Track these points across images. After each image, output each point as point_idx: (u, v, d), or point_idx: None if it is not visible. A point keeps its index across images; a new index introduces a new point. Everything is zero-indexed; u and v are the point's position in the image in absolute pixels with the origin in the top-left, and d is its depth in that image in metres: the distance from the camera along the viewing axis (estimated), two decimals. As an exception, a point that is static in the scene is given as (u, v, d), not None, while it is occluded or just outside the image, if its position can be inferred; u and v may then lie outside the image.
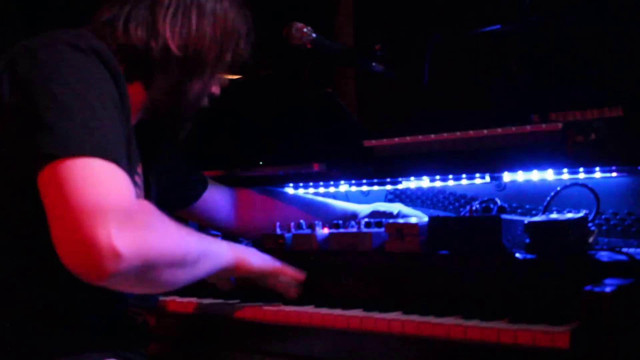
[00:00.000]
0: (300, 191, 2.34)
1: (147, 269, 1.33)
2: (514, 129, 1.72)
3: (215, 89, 1.80)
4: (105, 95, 1.42)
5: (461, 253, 1.64)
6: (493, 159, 1.78)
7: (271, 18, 1.88)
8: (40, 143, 1.32)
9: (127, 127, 1.51)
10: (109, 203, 1.28)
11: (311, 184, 2.28)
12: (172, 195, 2.05)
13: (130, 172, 1.56)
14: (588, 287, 1.32)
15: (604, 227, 1.84)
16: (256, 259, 1.74)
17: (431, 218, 1.72)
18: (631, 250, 1.63)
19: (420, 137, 1.85)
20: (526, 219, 1.59)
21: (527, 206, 1.99)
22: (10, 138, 1.40)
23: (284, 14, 2.36)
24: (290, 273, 1.81)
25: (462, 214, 2.02)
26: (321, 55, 2.47)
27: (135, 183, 1.65)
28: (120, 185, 1.34)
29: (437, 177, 2.02)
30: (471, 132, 1.77)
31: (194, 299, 1.93)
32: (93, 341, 1.49)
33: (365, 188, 2.29)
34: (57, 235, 1.29)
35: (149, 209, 1.40)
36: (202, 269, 1.53)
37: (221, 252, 1.62)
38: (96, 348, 1.49)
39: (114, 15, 1.64)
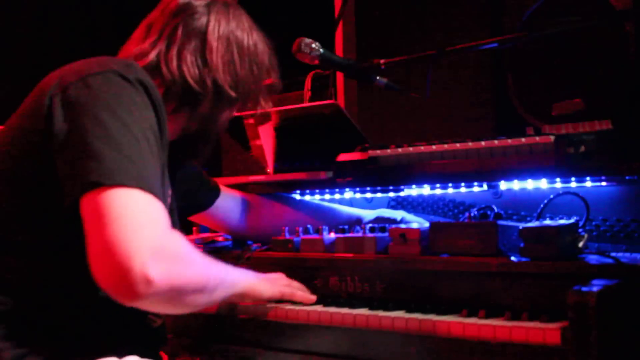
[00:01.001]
0: (307, 197, 2.46)
1: (174, 294, 1.47)
2: (509, 141, 1.83)
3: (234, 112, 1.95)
4: (148, 128, 1.53)
5: (460, 256, 1.75)
6: (490, 169, 1.89)
7: (273, 31, 2.00)
8: (88, 170, 1.43)
9: (164, 157, 1.62)
10: (144, 234, 1.39)
11: (317, 191, 2.40)
12: (187, 202, 2.16)
13: (165, 197, 1.69)
14: (576, 287, 1.44)
15: (594, 233, 1.95)
16: (266, 288, 1.86)
17: (432, 223, 1.83)
18: (619, 254, 1.74)
19: (422, 147, 1.97)
20: (521, 225, 1.71)
21: (523, 213, 2.10)
22: (58, 160, 1.50)
23: (285, 27, 2.48)
24: (299, 298, 1.90)
25: (461, 220, 2.13)
26: (324, 68, 2.60)
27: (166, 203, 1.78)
28: (156, 216, 1.46)
29: (438, 185, 2.13)
30: (470, 143, 1.88)
31: (208, 299, 2.05)
32: (113, 344, 1.59)
33: (369, 195, 2.41)
34: (94, 258, 1.40)
35: (179, 240, 1.51)
36: (218, 295, 1.66)
37: (234, 281, 1.75)
38: (116, 350, 1.58)
39: (163, 54, 1.76)
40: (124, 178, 1.43)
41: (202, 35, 1.79)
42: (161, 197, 1.49)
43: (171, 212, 1.87)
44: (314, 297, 1.91)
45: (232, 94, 1.78)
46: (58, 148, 1.49)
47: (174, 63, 1.74)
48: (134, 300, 1.40)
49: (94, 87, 1.52)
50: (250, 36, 1.87)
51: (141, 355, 1.64)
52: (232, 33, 1.83)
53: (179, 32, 1.78)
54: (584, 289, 1.42)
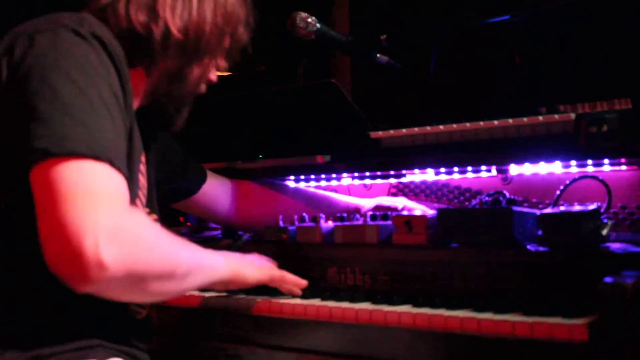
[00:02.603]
0: (302, 185, 2.31)
1: (133, 280, 1.31)
2: (525, 119, 1.69)
3: (213, 76, 1.77)
4: (105, 88, 1.38)
5: (471, 246, 1.61)
6: (502, 151, 1.75)
7: (265, 10, 1.85)
8: (35, 136, 1.28)
9: (129, 119, 1.46)
10: (98, 211, 1.25)
11: (313, 177, 2.25)
12: (170, 187, 2.01)
13: (133, 164, 1.53)
14: (608, 279, 1.30)
15: (612, 221, 1.82)
16: (252, 271, 1.72)
17: (440, 210, 1.69)
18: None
19: (428, 128, 1.82)
20: (539, 211, 1.57)
21: (534, 200, 1.96)
22: (6, 126, 1.35)
23: (278, 5, 2.33)
24: (290, 281, 1.79)
25: (470, 206, 1.99)
26: (317, 48, 2.45)
27: (139, 171, 1.62)
28: (114, 191, 1.30)
29: (443, 170, 1.99)
30: (481, 123, 1.74)
31: (196, 293, 1.90)
32: (97, 340, 1.46)
33: (368, 181, 2.26)
34: (44, 238, 1.26)
35: (141, 220, 1.36)
36: (193, 282, 1.50)
37: (215, 266, 1.59)
38: (100, 346, 1.46)
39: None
40: (75, 146, 1.28)
41: None
42: (122, 166, 1.34)
43: (149, 186, 1.72)
44: (305, 282, 1.79)
45: (180, 37, 1.59)
46: (4, 113, 1.35)
47: (122, 5, 1.57)
48: (85, 285, 1.25)
49: (42, 45, 1.36)
50: None
51: (125, 351, 1.51)
52: None
53: None
54: (618, 280, 1.28)
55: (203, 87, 1.75)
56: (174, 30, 1.58)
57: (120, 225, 1.27)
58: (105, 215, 1.25)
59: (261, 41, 1.87)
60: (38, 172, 1.28)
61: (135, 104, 1.61)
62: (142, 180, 1.66)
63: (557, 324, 1.35)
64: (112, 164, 1.31)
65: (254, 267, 1.73)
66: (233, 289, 1.73)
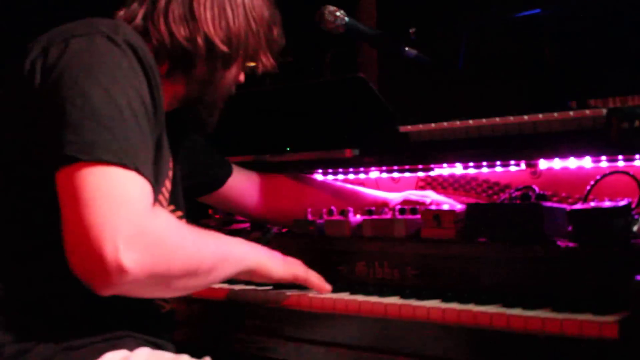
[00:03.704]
0: (330, 178, 2.32)
1: (157, 280, 1.35)
2: (556, 115, 1.68)
3: (242, 77, 1.80)
4: (135, 97, 1.40)
5: (500, 241, 1.61)
6: (532, 146, 1.74)
7: (291, 3, 1.86)
8: (64, 141, 1.31)
9: (158, 126, 1.49)
10: (119, 217, 1.27)
11: (341, 170, 2.26)
12: (195, 181, 2.03)
13: (162, 170, 1.55)
14: (639, 276, 1.29)
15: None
16: (277, 267, 1.71)
17: (469, 205, 1.69)
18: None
19: (457, 122, 1.82)
20: (568, 207, 1.56)
21: (563, 194, 1.95)
22: (35, 127, 1.38)
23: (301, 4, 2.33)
24: (314, 284, 1.75)
25: (497, 201, 1.99)
26: (344, 40, 2.45)
27: (167, 176, 1.64)
28: (136, 196, 1.33)
29: (471, 163, 1.98)
30: (511, 118, 1.73)
31: (225, 285, 1.92)
32: (125, 331, 1.49)
33: (396, 175, 2.26)
34: (67, 241, 1.30)
35: (163, 221, 1.38)
36: (218, 275, 1.53)
37: (241, 256, 1.61)
38: (129, 337, 1.48)
39: (149, 12, 1.62)
40: (103, 153, 1.31)
41: None
42: (147, 173, 1.36)
43: (175, 186, 1.74)
44: (329, 287, 1.76)
45: (224, 48, 1.63)
46: (35, 116, 1.37)
47: (161, 20, 1.60)
48: (106, 289, 1.29)
49: (76, 50, 1.39)
50: None
51: (152, 342, 1.53)
52: None
53: None
54: (650, 277, 1.28)
55: (233, 89, 1.78)
56: (218, 42, 1.62)
57: (141, 230, 1.29)
58: (125, 221, 1.27)
59: (288, 33, 1.89)
60: (64, 176, 1.31)
61: (167, 108, 1.63)
62: (168, 184, 1.68)
63: (587, 320, 1.34)
64: (138, 170, 1.34)
65: (279, 262, 1.72)
66: (256, 281, 1.73)
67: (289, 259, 1.76)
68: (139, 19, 1.61)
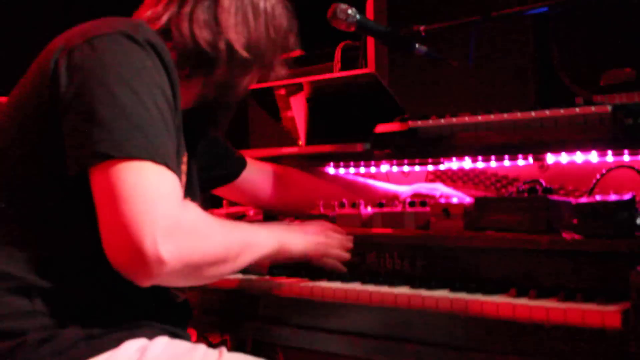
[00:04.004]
0: (341, 171, 2.36)
1: (192, 270, 1.42)
2: (562, 111, 1.72)
3: (254, 82, 1.84)
4: (159, 94, 1.45)
5: (508, 233, 1.65)
6: (540, 141, 1.79)
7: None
8: (95, 139, 1.36)
9: (178, 123, 1.54)
10: (156, 211, 1.33)
11: (352, 164, 2.30)
12: (211, 174, 2.08)
13: (179, 166, 1.60)
14: (640, 267, 1.34)
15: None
16: (296, 243, 1.76)
17: (477, 198, 1.74)
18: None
19: (466, 118, 1.86)
20: (574, 200, 1.60)
21: (570, 187, 1.99)
22: (64, 126, 1.42)
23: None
24: (334, 253, 1.82)
25: (505, 194, 2.03)
26: (353, 36, 2.49)
27: (181, 171, 1.69)
28: (170, 191, 1.39)
29: (480, 157, 2.03)
30: (519, 114, 1.77)
31: (238, 275, 1.97)
32: (144, 320, 1.53)
33: (407, 168, 2.31)
34: (106, 236, 1.36)
35: (194, 213, 1.45)
36: (244, 260, 1.59)
37: (262, 241, 1.66)
38: (147, 326, 1.53)
39: (174, 16, 1.66)
40: (134, 150, 1.36)
41: None
42: (174, 168, 1.42)
43: (190, 179, 1.79)
44: (347, 255, 1.83)
45: (245, 54, 1.68)
46: (63, 115, 1.42)
47: (185, 24, 1.64)
48: (146, 280, 1.36)
49: (100, 50, 1.43)
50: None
51: (170, 331, 1.57)
52: None
53: None
54: (650, 268, 1.32)
55: (246, 92, 1.83)
56: (239, 47, 1.66)
57: (176, 222, 1.36)
58: (162, 215, 1.34)
59: (299, 27, 1.93)
60: (98, 174, 1.37)
61: (184, 107, 1.68)
62: (183, 178, 1.73)
63: (590, 310, 1.39)
64: (167, 165, 1.40)
65: (299, 237, 1.77)
66: (280, 261, 1.79)
67: (307, 230, 1.81)
68: (163, 22, 1.65)
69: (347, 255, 1.84)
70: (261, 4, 1.73)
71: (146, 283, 1.37)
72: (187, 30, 1.63)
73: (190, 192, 1.81)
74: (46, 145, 1.46)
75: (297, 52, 3.38)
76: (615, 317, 1.36)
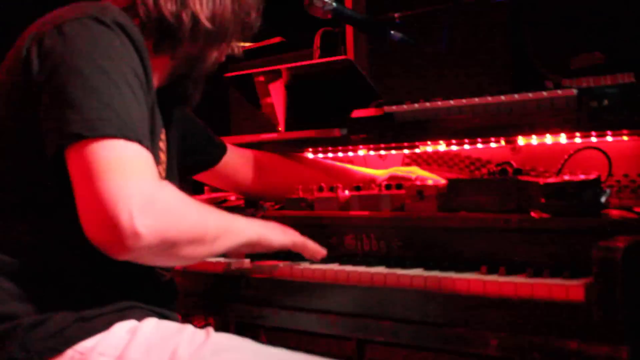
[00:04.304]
0: (320, 156, 2.42)
1: (167, 246, 1.44)
2: (530, 95, 1.78)
3: (223, 56, 1.87)
4: (130, 72, 1.49)
5: (479, 213, 1.72)
6: (510, 124, 1.85)
7: None
8: (67, 121, 1.40)
9: (150, 100, 1.58)
10: (131, 187, 1.37)
11: (330, 149, 2.36)
12: (191, 159, 2.12)
13: (154, 142, 1.64)
14: (602, 243, 1.41)
15: (615, 189, 1.92)
16: (276, 235, 1.79)
17: (450, 180, 1.80)
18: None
19: (439, 102, 1.92)
20: (542, 180, 1.67)
21: (541, 169, 2.06)
22: (38, 111, 1.47)
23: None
24: (310, 249, 1.85)
25: (478, 176, 2.10)
26: (333, 22, 2.53)
27: (159, 149, 1.74)
28: (143, 167, 1.43)
29: (454, 141, 2.09)
30: (489, 98, 1.83)
31: (221, 259, 2.02)
32: (132, 302, 1.57)
33: (383, 152, 2.37)
34: (83, 212, 1.39)
35: (170, 191, 1.48)
36: (222, 245, 1.61)
37: (242, 229, 1.68)
38: (136, 307, 1.58)
39: None
40: (107, 128, 1.40)
41: None
42: (148, 144, 1.46)
43: (170, 155, 1.83)
44: (324, 251, 1.87)
45: (209, 26, 1.71)
46: (37, 100, 1.46)
47: None
48: (123, 254, 1.39)
49: (69, 35, 1.48)
50: None
51: (157, 312, 1.62)
52: None
53: None
54: (610, 244, 1.39)
55: (216, 67, 1.86)
56: (203, 19, 1.69)
57: (152, 197, 1.39)
58: (137, 189, 1.37)
59: (279, 14, 1.97)
60: (73, 154, 1.40)
61: (156, 84, 1.72)
62: (162, 156, 1.77)
63: (555, 285, 1.46)
64: (141, 142, 1.44)
65: (278, 231, 1.82)
66: (258, 252, 1.83)
67: (285, 228, 1.86)
68: None
69: (324, 252, 1.87)
70: None
71: (123, 257, 1.39)
72: (151, 4, 1.66)
73: (170, 168, 1.85)
74: (25, 131, 1.51)
75: (278, 39, 3.45)
76: (579, 291, 1.42)
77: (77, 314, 1.47)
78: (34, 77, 1.47)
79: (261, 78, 2.51)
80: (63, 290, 1.49)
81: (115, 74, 1.46)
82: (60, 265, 1.50)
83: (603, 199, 1.63)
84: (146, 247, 1.38)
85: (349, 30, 2.94)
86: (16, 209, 1.51)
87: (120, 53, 1.49)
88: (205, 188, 2.52)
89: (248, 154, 2.31)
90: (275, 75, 2.44)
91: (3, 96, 1.56)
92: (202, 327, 1.62)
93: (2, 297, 1.44)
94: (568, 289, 1.44)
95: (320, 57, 2.98)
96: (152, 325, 1.54)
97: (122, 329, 1.50)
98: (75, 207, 1.42)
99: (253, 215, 2.09)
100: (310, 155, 2.40)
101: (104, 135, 1.39)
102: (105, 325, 1.48)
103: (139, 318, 1.55)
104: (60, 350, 1.43)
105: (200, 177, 2.28)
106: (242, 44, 1.91)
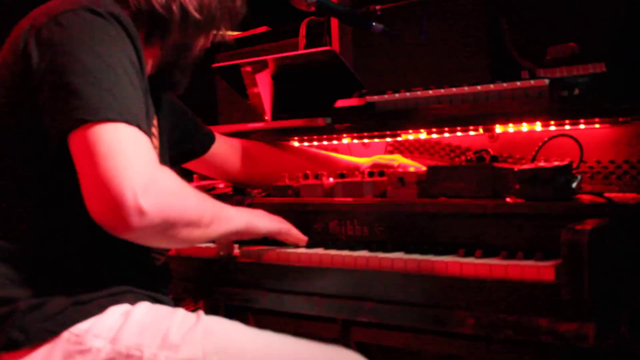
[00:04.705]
0: (305, 145, 2.49)
1: (167, 226, 1.51)
2: (505, 84, 1.86)
3: (209, 43, 1.94)
4: (126, 60, 1.56)
5: (457, 198, 1.80)
6: (486, 113, 1.92)
7: None
8: (70, 107, 1.47)
9: (145, 87, 1.65)
10: (135, 167, 1.44)
11: (315, 138, 2.43)
12: (180, 148, 2.19)
13: (148, 128, 1.71)
14: (570, 226, 1.49)
15: (588, 175, 2.00)
16: (263, 222, 1.87)
17: (429, 167, 1.88)
18: (612, 194, 1.79)
19: (418, 92, 2.00)
20: (517, 167, 1.75)
21: (517, 156, 2.14)
22: (40, 100, 1.53)
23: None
24: (294, 235, 1.93)
25: (457, 163, 2.18)
26: (320, 15, 2.60)
27: (152, 135, 1.80)
28: (145, 150, 1.50)
29: (434, 129, 2.16)
30: (466, 88, 1.91)
31: (210, 244, 2.09)
32: (126, 286, 1.64)
33: (367, 140, 2.44)
34: (88, 193, 1.46)
35: (170, 174, 1.56)
36: (215, 230, 1.69)
37: (232, 217, 1.76)
38: (130, 292, 1.65)
39: None
40: (108, 113, 1.47)
41: None
42: (146, 129, 1.53)
43: (162, 141, 1.90)
44: (306, 238, 1.95)
45: (197, 16, 1.78)
46: (38, 89, 1.52)
47: None
48: (128, 231, 1.45)
49: (66, 25, 1.54)
50: None
51: (151, 296, 1.69)
52: None
53: None
54: (577, 227, 1.47)
55: (202, 53, 1.93)
56: (192, 9, 1.76)
57: (154, 178, 1.46)
58: (140, 170, 1.44)
59: (265, 3, 2.03)
60: (77, 137, 1.47)
61: (148, 72, 1.78)
62: (155, 141, 1.84)
63: (527, 266, 1.54)
64: (139, 126, 1.51)
65: (264, 218, 1.89)
66: (246, 238, 1.90)
67: (271, 215, 1.94)
68: None
69: (305, 238, 1.95)
70: None
71: (126, 235, 1.46)
72: None
73: (162, 154, 1.92)
74: (24, 119, 1.57)
75: (264, 28, 3.51)
76: (549, 272, 1.51)
77: (73, 298, 1.54)
78: (33, 67, 1.53)
79: (248, 68, 2.57)
80: (59, 275, 1.56)
81: (113, 62, 1.53)
82: (56, 251, 1.57)
83: (574, 185, 1.72)
84: (149, 226, 1.45)
85: (334, 19, 3.01)
86: (14, 196, 1.58)
87: (116, 41, 1.56)
88: (194, 176, 2.59)
89: (236, 143, 2.37)
90: (261, 66, 2.51)
91: (1, 86, 1.62)
92: (192, 311, 1.69)
93: (2, 282, 1.51)
94: (539, 270, 1.52)
95: (306, 46, 3.05)
96: (145, 308, 1.61)
97: (116, 312, 1.57)
98: (72, 193, 1.49)
99: (240, 202, 2.16)
100: (296, 144, 2.47)
101: (106, 119, 1.46)
102: (100, 309, 1.56)
103: (133, 302, 1.62)
104: (57, 332, 1.50)
105: (189, 165, 2.35)
106: (229, 32, 1.98)
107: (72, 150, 1.49)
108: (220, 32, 1.92)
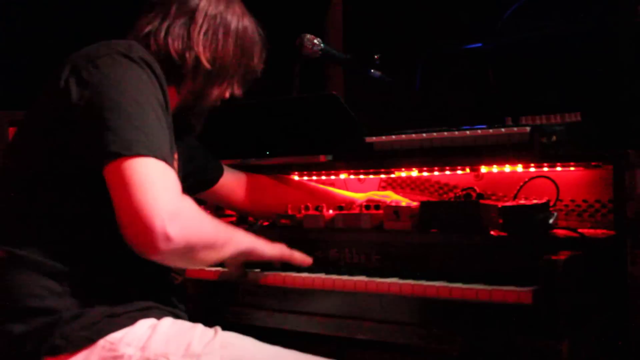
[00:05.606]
0: (305, 178, 2.68)
1: (189, 249, 1.70)
2: (491, 130, 2.07)
3: (227, 94, 2.15)
4: (155, 101, 1.76)
5: (447, 231, 2.00)
6: (473, 155, 2.13)
7: (262, 25, 2.18)
8: (107, 142, 1.66)
9: (170, 124, 1.85)
10: (163, 198, 1.63)
11: (314, 172, 2.62)
12: (193, 180, 2.36)
13: (172, 161, 1.91)
14: (546, 256, 1.70)
15: (563, 212, 2.21)
16: (267, 248, 2.04)
17: (422, 202, 2.08)
18: (584, 230, 2.01)
19: (413, 135, 2.20)
20: (501, 204, 1.96)
21: (500, 194, 2.35)
22: (77, 133, 1.72)
23: (274, 22, 2.68)
24: (297, 259, 2.10)
25: (446, 199, 2.39)
26: (311, 61, 2.80)
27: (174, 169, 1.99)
28: (172, 183, 1.69)
29: (425, 168, 2.37)
30: (456, 133, 2.12)
31: (219, 268, 2.27)
32: (152, 302, 1.81)
33: (363, 176, 2.65)
34: (122, 220, 1.64)
35: (191, 204, 1.74)
36: (226, 252, 1.88)
37: (240, 240, 1.95)
38: (155, 308, 1.82)
39: (155, 29, 1.97)
40: (140, 148, 1.65)
41: (192, 14, 2.00)
42: (171, 163, 1.71)
43: (182, 179, 2.09)
44: (310, 260, 2.12)
45: (209, 67, 1.96)
46: (76, 124, 1.71)
47: (162, 35, 1.95)
48: (155, 254, 1.63)
49: (104, 68, 1.73)
50: (240, 20, 2.06)
51: (173, 312, 1.86)
52: (221, 14, 2.03)
53: (173, 10, 1.99)
54: (553, 258, 1.68)
55: (218, 102, 2.13)
56: (204, 60, 1.97)
57: (179, 207, 1.66)
58: (167, 201, 1.63)
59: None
60: (112, 169, 1.66)
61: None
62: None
63: (509, 291, 1.75)
64: (166, 161, 1.70)
65: (268, 244, 2.07)
66: (252, 259, 2.07)
67: (274, 243, 2.11)
68: (143, 33, 1.96)
69: (309, 260, 2.12)
70: (233, 25, 2.04)
71: (154, 257, 1.64)
72: (162, 41, 1.95)
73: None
74: (63, 151, 1.75)
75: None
76: (528, 296, 1.71)
77: (109, 310, 1.72)
78: (73, 103, 1.72)
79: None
80: (96, 290, 1.74)
81: (144, 103, 1.72)
82: (93, 269, 1.75)
83: (551, 221, 1.93)
84: (173, 250, 1.64)
85: (327, 67, 3.21)
86: (56, 223, 1.76)
87: (146, 84, 1.76)
88: (202, 207, 2.76)
89: (242, 175, 2.55)
90: (267, 108, 2.69)
91: (42, 116, 1.81)
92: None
93: (45, 294, 1.69)
94: (519, 294, 1.73)
95: (300, 85, 3.24)
96: (169, 323, 1.79)
97: (145, 324, 1.75)
98: (107, 219, 1.67)
99: (247, 230, 2.34)
100: (296, 178, 2.65)
101: (138, 154, 1.65)
102: (131, 321, 1.73)
103: (158, 317, 1.80)
104: (94, 340, 1.68)
105: (199, 195, 2.52)
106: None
107: (107, 179, 1.67)
108: (233, 89, 2.11)
